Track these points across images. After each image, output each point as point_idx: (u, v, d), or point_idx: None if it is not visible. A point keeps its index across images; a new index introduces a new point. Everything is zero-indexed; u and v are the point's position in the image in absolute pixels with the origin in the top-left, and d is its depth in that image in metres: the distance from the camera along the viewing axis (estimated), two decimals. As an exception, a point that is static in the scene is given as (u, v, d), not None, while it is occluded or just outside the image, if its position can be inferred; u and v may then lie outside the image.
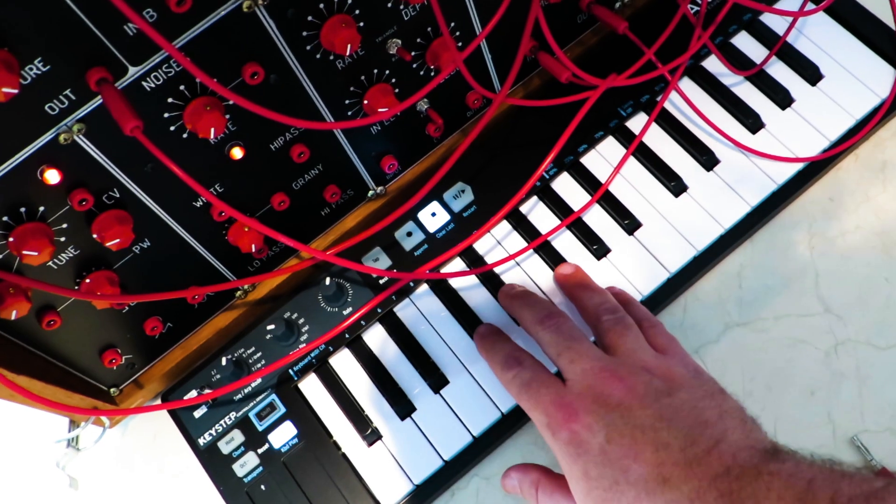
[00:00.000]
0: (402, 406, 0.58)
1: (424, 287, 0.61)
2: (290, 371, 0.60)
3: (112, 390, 0.61)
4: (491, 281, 0.60)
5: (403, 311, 0.61)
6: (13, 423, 0.64)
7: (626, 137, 0.63)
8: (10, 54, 0.38)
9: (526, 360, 0.51)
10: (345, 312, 0.61)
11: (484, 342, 0.55)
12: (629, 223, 0.60)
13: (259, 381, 0.60)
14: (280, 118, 0.43)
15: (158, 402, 0.62)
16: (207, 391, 0.60)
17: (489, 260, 0.61)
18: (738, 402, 0.46)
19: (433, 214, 0.63)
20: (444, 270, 0.62)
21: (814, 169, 0.61)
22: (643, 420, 0.44)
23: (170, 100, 0.47)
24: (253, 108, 0.43)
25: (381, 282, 0.62)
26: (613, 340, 0.50)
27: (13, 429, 0.64)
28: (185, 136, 0.49)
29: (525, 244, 0.61)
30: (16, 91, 0.38)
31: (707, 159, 0.61)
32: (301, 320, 0.61)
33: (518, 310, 0.56)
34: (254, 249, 0.57)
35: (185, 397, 0.61)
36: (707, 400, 0.45)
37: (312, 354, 0.60)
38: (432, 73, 0.58)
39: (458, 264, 0.62)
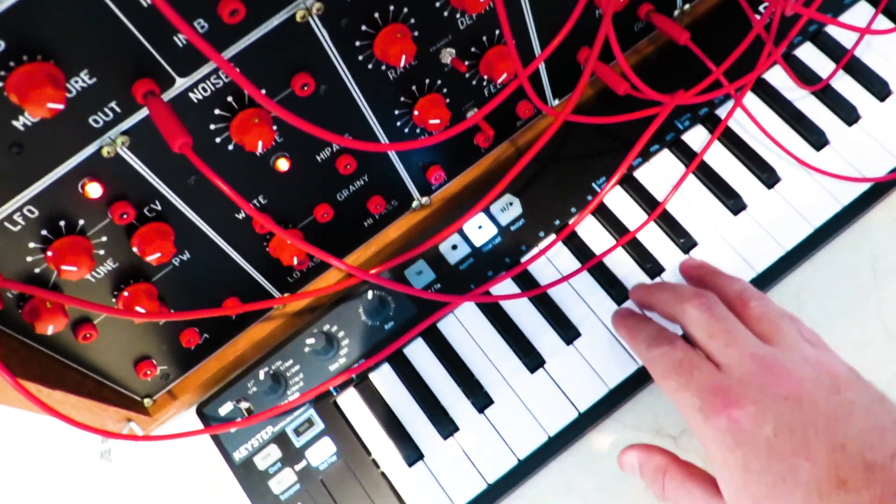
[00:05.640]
0: (445, 425, 0.56)
1: (469, 303, 0.59)
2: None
3: (146, 401, 0.60)
4: (539, 299, 0.58)
5: (447, 326, 0.59)
6: (48, 433, 0.63)
7: (682, 152, 0.60)
8: (56, 67, 0.37)
9: (676, 340, 0.48)
10: (386, 327, 0.59)
11: (625, 321, 0.52)
12: (684, 242, 0.58)
13: (298, 403, 0.58)
14: (332, 137, 0.41)
15: (192, 412, 0.60)
16: (244, 404, 0.58)
17: (537, 276, 0.59)
18: None
19: (479, 227, 0.61)
20: (493, 290, 0.59)
21: (880, 189, 0.58)
22: (815, 417, 0.41)
23: (217, 111, 0.45)
24: (304, 126, 0.41)
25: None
26: (768, 328, 0.46)
27: (48, 439, 0.63)
28: (230, 147, 0.47)
29: (576, 261, 0.59)
30: (62, 107, 0.36)
31: (768, 177, 0.59)
32: (341, 334, 0.60)
33: (657, 293, 0.52)
34: (295, 262, 0.55)
35: (221, 410, 0.59)
36: (877, 404, 0.42)
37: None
38: (485, 84, 0.55)
39: (506, 282, 0.59)
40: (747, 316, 0.48)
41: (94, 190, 0.44)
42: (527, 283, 0.59)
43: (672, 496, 0.47)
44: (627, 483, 0.55)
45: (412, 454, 0.56)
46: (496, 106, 0.44)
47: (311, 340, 0.58)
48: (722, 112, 0.61)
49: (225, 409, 0.59)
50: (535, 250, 0.59)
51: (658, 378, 0.48)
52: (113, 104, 0.41)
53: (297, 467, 0.57)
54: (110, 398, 0.56)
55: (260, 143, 0.45)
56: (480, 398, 0.56)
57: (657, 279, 0.58)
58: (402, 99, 0.52)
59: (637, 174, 0.61)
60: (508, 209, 0.61)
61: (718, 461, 0.43)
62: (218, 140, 0.46)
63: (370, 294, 0.58)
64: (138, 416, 0.59)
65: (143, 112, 0.42)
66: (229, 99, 0.45)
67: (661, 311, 0.52)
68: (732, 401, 0.42)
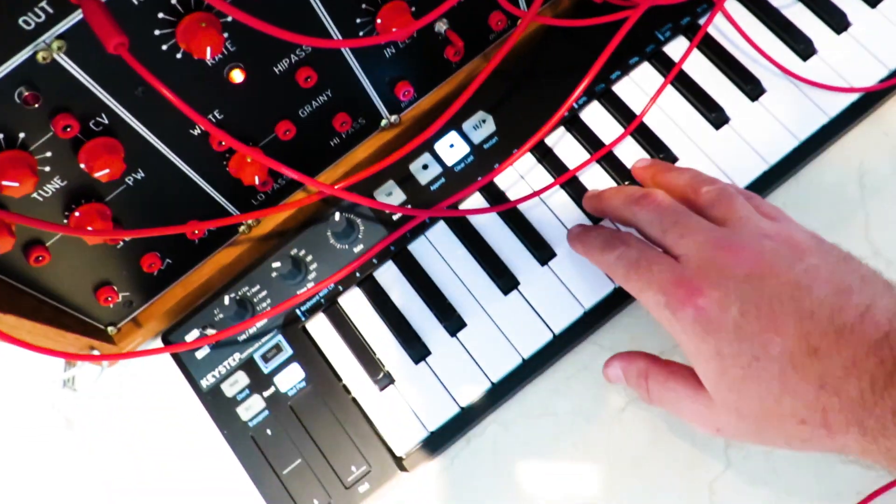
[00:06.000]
0: (417, 350, 0.55)
1: (441, 223, 0.57)
2: (298, 311, 0.57)
3: (109, 329, 0.58)
4: (512, 218, 0.56)
5: (418, 248, 0.57)
6: (7, 363, 0.62)
7: (663, 64, 0.58)
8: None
9: (630, 238, 0.47)
10: (355, 250, 0.57)
11: (578, 235, 0.51)
12: (663, 157, 0.55)
13: (264, 321, 0.57)
14: (283, 34, 0.38)
15: (158, 341, 0.59)
16: (210, 331, 0.57)
17: (511, 195, 0.57)
18: (873, 268, 0.42)
19: (451, 146, 0.58)
20: (463, 206, 0.57)
21: (869, 100, 0.55)
22: (779, 290, 0.40)
23: (161, 15, 0.42)
24: (254, 23, 0.38)
25: (395, 217, 0.57)
26: (721, 211, 0.45)
27: (7, 369, 0.62)
28: (178, 56, 0.44)
29: (550, 179, 0.56)
30: (-20, 3, 0.33)
31: (752, 88, 0.56)
32: (309, 258, 0.58)
33: (607, 200, 0.51)
34: (257, 182, 0.53)
35: (187, 337, 0.58)
36: (842, 265, 0.41)
37: (321, 294, 0.57)
38: (453, -11, 0.52)
39: (477, 199, 0.57)
40: (700, 204, 0.47)
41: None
42: (499, 200, 0.56)
43: (657, 398, 0.47)
44: (604, 405, 0.54)
45: (383, 379, 0.55)
46: (453, 5, 0.42)
47: (277, 264, 0.56)
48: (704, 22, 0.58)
49: (191, 336, 0.58)
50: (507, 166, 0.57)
51: (620, 281, 0.47)
52: (44, 4, 0.38)
53: (266, 394, 0.56)
54: (71, 325, 0.55)
55: (209, 50, 0.43)
56: (453, 322, 0.55)
57: (635, 197, 0.55)
58: (363, 6, 0.49)
59: (616, 88, 0.58)
60: (481, 126, 0.58)
61: (693, 353, 0.43)
62: (164, 47, 0.43)
63: (337, 216, 0.56)
64: (102, 344, 0.58)
65: (79, 14, 0.39)
66: (174, 1, 0.42)
67: (614, 217, 0.51)
68: (695, 290, 0.42)
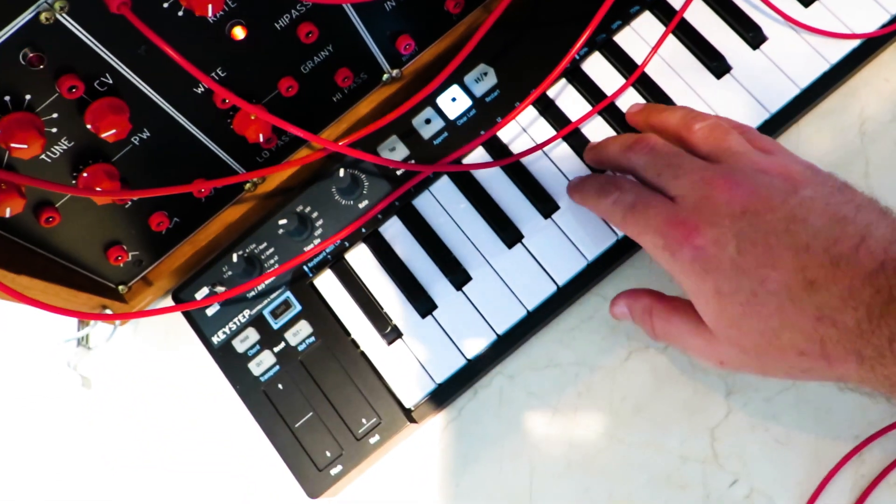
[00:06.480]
0: (422, 303, 0.55)
1: (444, 178, 0.58)
2: (305, 267, 0.58)
3: (120, 287, 0.59)
4: (515, 171, 0.56)
5: (422, 203, 0.58)
6: (22, 323, 0.63)
7: (664, 13, 0.57)
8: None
9: (625, 183, 0.47)
10: (360, 206, 0.58)
11: (575, 185, 0.52)
12: (665, 108, 0.55)
13: (273, 278, 0.57)
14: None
15: (169, 299, 0.60)
16: (219, 288, 0.58)
17: (513, 147, 0.57)
18: (869, 195, 0.42)
19: (453, 100, 0.58)
20: (466, 160, 0.57)
21: (871, 46, 0.55)
22: (774, 224, 0.40)
23: (161, -28, 0.42)
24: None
25: (399, 173, 0.58)
26: (714, 147, 0.45)
27: (22, 328, 0.63)
28: (180, 14, 0.44)
29: (553, 131, 0.57)
30: (-17, -38, 0.34)
31: (753, 36, 0.56)
32: (314, 214, 0.58)
33: (602, 149, 0.51)
34: (261, 139, 0.53)
35: (197, 294, 0.58)
36: (837, 195, 0.41)
37: (328, 251, 0.57)
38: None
39: (480, 153, 0.58)
40: (693, 142, 0.47)
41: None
42: (503, 155, 0.57)
43: (661, 333, 0.47)
44: (608, 355, 0.55)
45: (390, 333, 0.55)
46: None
47: (283, 221, 0.57)
48: (706, -31, 0.58)
49: (201, 294, 0.58)
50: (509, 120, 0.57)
51: (618, 226, 0.47)
52: (45, -37, 0.38)
53: (276, 349, 0.57)
54: (83, 284, 0.55)
55: (210, 7, 0.43)
56: (458, 275, 0.55)
57: (637, 148, 0.56)
58: (363, -41, 0.49)
59: (617, 38, 0.58)
60: (483, 80, 0.58)
61: (693, 292, 0.43)
62: (165, 5, 0.44)
63: (342, 172, 0.56)
64: (114, 303, 0.59)
65: (81, -27, 0.39)
66: (174, -42, 0.42)
67: (612, 166, 0.51)
68: (691, 230, 0.42)
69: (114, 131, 0.45)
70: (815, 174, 0.43)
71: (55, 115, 0.44)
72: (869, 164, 0.55)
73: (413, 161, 0.58)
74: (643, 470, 0.53)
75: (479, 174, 0.57)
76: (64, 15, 0.40)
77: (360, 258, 0.58)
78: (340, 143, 0.51)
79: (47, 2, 0.39)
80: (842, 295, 0.38)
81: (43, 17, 0.40)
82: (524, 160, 0.56)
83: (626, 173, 0.49)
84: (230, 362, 0.57)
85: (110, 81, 0.45)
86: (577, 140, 0.56)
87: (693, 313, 0.44)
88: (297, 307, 0.57)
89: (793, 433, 0.52)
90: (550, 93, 0.58)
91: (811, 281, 0.39)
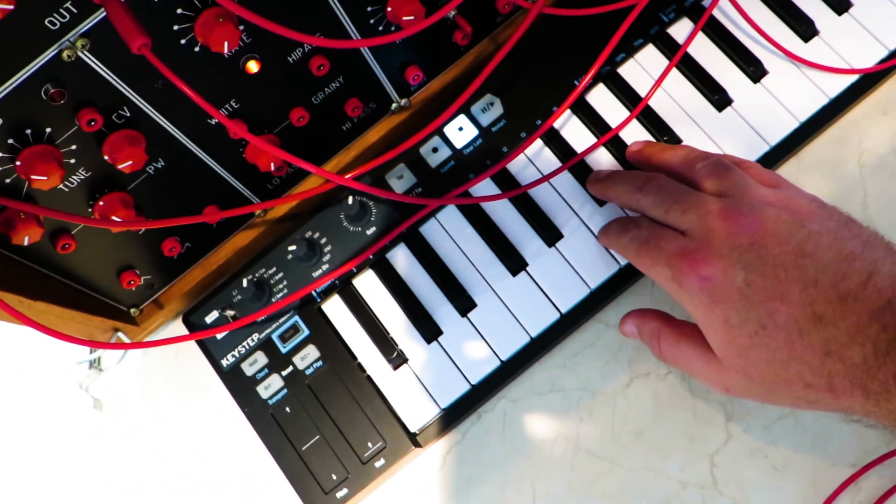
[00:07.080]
0: (428, 329, 0.57)
1: (451, 206, 0.59)
2: (313, 292, 0.59)
3: (132, 311, 0.60)
4: (520, 200, 0.57)
5: (429, 230, 0.59)
6: (36, 345, 0.64)
7: (667, 46, 0.58)
8: (2, -35, 0.35)
9: (641, 221, 0.48)
10: (368, 232, 0.59)
11: (602, 230, 0.54)
12: (668, 139, 0.56)
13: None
14: (299, 37, 0.39)
15: (179, 321, 0.61)
16: (229, 312, 0.59)
17: (519, 177, 0.58)
18: (875, 230, 0.43)
19: (460, 129, 0.59)
20: (472, 189, 0.58)
21: (869, 81, 0.56)
22: (783, 258, 0.41)
23: (179, 11, 0.43)
24: (267, 25, 0.39)
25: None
26: (719, 183, 0.46)
27: (37, 350, 0.64)
28: (196, 49, 0.46)
29: (557, 161, 0.58)
30: (11, 7, 0.35)
31: (754, 70, 0.57)
32: (323, 240, 0.59)
33: (612, 186, 0.52)
34: (273, 168, 0.54)
35: (207, 318, 0.59)
36: (844, 230, 0.42)
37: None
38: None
39: (486, 182, 0.59)
40: (698, 180, 0.48)
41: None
42: (508, 184, 0.58)
43: (669, 357, 0.49)
44: (610, 381, 0.56)
45: (396, 358, 0.56)
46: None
47: (293, 247, 0.58)
48: (708, 2, 0.59)
49: (211, 317, 0.60)
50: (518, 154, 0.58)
51: (633, 261, 0.48)
52: (69, 4, 0.39)
53: (284, 373, 0.58)
54: (96, 308, 0.57)
55: (226, 44, 0.44)
56: (463, 301, 0.56)
57: (640, 178, 0.57)
58: (373, -4, 0.50)
59: (621, 71, 0.59)
60: (489, 110, 0.59)
61: (702, 321, 0.44)
62: (183, 42, 0.45)
63: (350, 199, 0.58)
64: (126, 326, 0.60)
65: (102, 13, 0.41)
66: (191, -3, 0.43)
67: (619, 204, 0.53)
68: (699, 261, 0.43)
69: (130, 162, 0.47)
70: (822, 208, 0.44)
71: (74, 147, 0.46)
72: (867, 196, 0.56)
73: (420, 189, 0.59)
74: (644, 495, 0.54)
75: (485, 203, 0.58)
76: (85, 52, 0.42)
77: (368, 284, 0.59)
78: (347, 177, 0.52)
79: (69, 40, 0.41)
80: (849, 331, 0.39)
81: (65, 54, 0.41)
82: (529, 190, 0.57)
83: (634, 212, 0.51)
84: (239, 385, 0.58)
85: (128, 114, 0.46)
86: (581, 170, 0.57)
87: (701, 340, 0.45)
88: (305, 331, 0.58)
89: (791, 460, 0.53)
90: (555, 124, 0.59)
91: (819, 316, 0.40)
